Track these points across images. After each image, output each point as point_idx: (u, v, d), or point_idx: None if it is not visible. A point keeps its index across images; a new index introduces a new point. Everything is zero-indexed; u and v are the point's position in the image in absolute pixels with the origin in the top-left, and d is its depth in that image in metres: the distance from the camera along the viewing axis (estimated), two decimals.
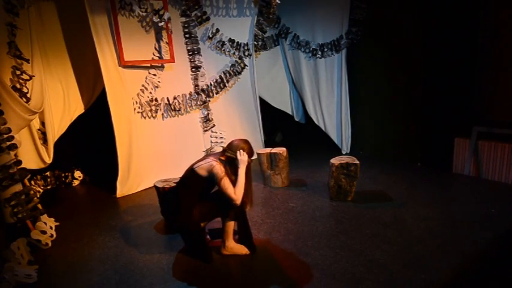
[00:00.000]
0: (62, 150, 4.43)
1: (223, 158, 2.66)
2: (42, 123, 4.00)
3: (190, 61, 4.89)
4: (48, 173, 4.74)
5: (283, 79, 6.35)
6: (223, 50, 5.15)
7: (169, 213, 2.92)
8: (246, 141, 2.73)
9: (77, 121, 4.46)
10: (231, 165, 2.65)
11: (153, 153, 4.64)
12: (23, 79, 3.55)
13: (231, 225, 2.77)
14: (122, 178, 4.34)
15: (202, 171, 2.60)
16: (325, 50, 5.44)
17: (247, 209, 2.79)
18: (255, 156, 4.46)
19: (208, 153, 2.81)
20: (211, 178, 2.57)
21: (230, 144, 2.71)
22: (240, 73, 5.33)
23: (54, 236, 3.28)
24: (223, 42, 5.10)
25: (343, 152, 5.58)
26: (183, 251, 2.89)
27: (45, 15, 3.97)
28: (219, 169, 2.55)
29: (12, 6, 3.43)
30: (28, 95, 3.57)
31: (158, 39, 4.52)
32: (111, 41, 4.15)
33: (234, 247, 2.79)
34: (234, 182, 2.59)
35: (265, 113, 5.83)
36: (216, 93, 5.18)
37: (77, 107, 4.40)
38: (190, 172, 2.66)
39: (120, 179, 4.32)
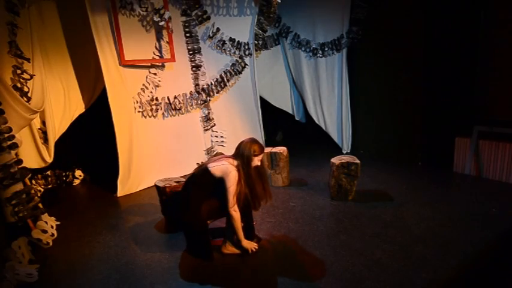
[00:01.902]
0: (63, 150, 4.44)
1: (237, 163, 2.64)
2: (43, 123, 4.01)
3: (191, 60, 4.89)
4: (49, 172, 4.75)
5: (283, 78, 6.35)
6: (224, 49, 5.15)
7: (175, 210, 2.91)
8: (254, 141, 2.71)
9: (78, 120, 4.46)
10: (246, 176, 2.64)
11: (153, 153, 4.64)
12: (23, 78, 3.55)
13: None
14: (123, 177, 4.34)
15: (217, 172, 2.61)
16: (326, 49, 5.44)
17: (266, 203, 2.81)
18: None
19: (223, 155, 2.81)
20: (223, 180, 2.58)
21: (239, 147, 2.70)
22: (240, 72, 5.33)
23: (55, 235, 3.29)
24: (224, 41, 5.10)
25: (344, 152, 5.57)
26: (184, 250, 2.89)
27: (45, 15, 3.97)
28: (234, 176, 2.57)
29: (13, 5, 3.43)
30: (29, 94, 3.57)
31: (159, 38, 4.52)
32: (112, 40, 4.15)
33: (234, 248, 2.80)
34: (244, 185, 2.62)
35: (265, 112, 5.83)
36: (217, 93, 5.18)
37: (77, 107, 4.41)
38: (204, 171, 2.66)
39: (120, 178, 4.33)
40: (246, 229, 2.81)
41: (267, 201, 2.79)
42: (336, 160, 3.68)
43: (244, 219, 2.77)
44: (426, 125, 4.73)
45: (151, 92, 4.58)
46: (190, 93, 4.92)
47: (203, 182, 2.66)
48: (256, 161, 2.68)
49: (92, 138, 5.03)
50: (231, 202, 2.58)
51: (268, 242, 2.95)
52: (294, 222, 3.31)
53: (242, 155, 2.65)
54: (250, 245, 2.76)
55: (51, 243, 3.15)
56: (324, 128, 5.84)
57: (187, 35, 4.81)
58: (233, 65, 5.25)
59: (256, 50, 5.66)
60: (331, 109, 5.66)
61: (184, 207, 2.67)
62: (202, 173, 2.68)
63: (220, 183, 2.60)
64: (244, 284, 2.45)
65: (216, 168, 2.62)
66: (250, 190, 2.67)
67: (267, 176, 2.83)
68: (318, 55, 5.54)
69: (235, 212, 2.62)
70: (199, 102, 5.00)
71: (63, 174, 4.91)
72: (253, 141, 2.71)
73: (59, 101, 4.21)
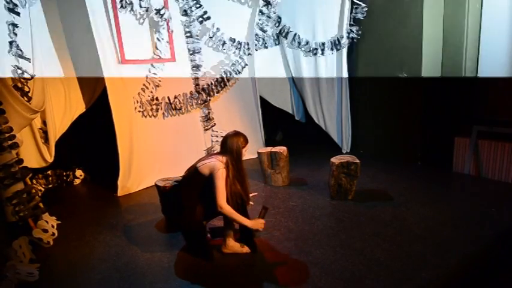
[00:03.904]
0: (64, 149, 4.44)
1: (226, 160, 2.62)
2: (44, 122, 4.01)
3: (191, 60, 4.90)
4: (49, 172, 4.76)
5: (283, 78, 6.34)
6: (224, 49, 5.15)
7: (171, 212, 2.91)
8: (238, 133, 2.70)
9: (78, 120, 4.47)
10: (237, 171, 2.63)
11: (153, 152, 4.65)
12: (24, 78, 3.56)
13: (233, 224, 2.78)
14: (123, 177, 4.35)
15: (205, 170, 2.60)
16: (326, 49, 5.44)
17: (248, 207, 2.79)
18: (255, 155, 4.50)
19: (210, 153, 2.82)
20: (211, 177, 2.57)
21: (224, 143, 2.68)
22: (240, 72, 5.34)
23: (56, 234, 3.30)
24: (224, 41, 5.11)
25: (344, 151, 5.58)
26: (184, 250, 2.90)
27: (46, 14, 3.97)
28: (222, 173, 2.54)
29: (14, 5, 3.44)
30: (29, 94, 3.58)
31: (159, 38, 4.53)
32: (112, 40, 4.16)
33: (235, 245, 2.80)
34: (231, 186, 2.59)
35: (265, 112, 5.84)
36: (217, 92, 5.19)
37: (78, 106, 4.41)
38: (194, 171, 2.66)
39: (121, 178, 4.33)
40: (242, 229, 2.79)
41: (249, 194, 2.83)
42: (335, 160, 3.68)
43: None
44: (426, 125, 4.74)
45: (151, 92, 4.58)
46: (190, 93, 4.93)
47: (195, 183, 2.65)
48: (244, 153, 2.69)
49: (93, 137, 5.04)
50: (219, 200, 2.52)
51: (269, 241, 2.95)
52: (294, 221, 3.32)
53: (231, 150, 2.63)
54: (257, 224, 2.63)
55: (51, 243, 3.16)
56: (323, 128, 5.85)
57: (188, 34, 4.82)
58: (233, 64, 5.25)
59: (256, 50, 5.66)
60: (330, 109, 5.67)
61: (179, 210, 2.67)
62: (192, 174, 2.68)
63: (210, 181, 2.58)
64: (244, 283, 2.45)
65: (204, 166, 2.61)
66: (242, 185, 2.65)
67: (247, 177, 2.84)
68: (318, 55, 5.54)
69: (224, 209, 2.54)
70: (199, 102, 5.01)
71: (64, 173, 4.92)
72: (237, 133, 2.71)
73: (60, 101, 4.21)
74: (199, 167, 2.64)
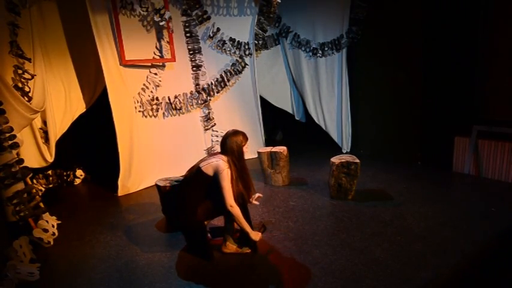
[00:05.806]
0: (64, 149, 4.45)
1: (228, 159, 2.62)
2: (44, 122, 4.03)
3: (191, 60, 4.91)
4: (50, 172, 4.77)
5: (283, 78, 6.36)
6: (224, 49, 5.16)
7: (172, 212, 2.91)
8: (237, 132, 2.69)
9: (79, 120, 4.47)
10: (239, 170, 2.63)
11: (154, 152, 4.65)
12: (24, 78, 3.57)
13: (233, 224, 2.78)
14: (123, 177, 4.36)
15: (209, 170, 2.59)
16: (326, 49, 5.45)
17: (249, 204, 2.80)
18: (255, 155, 4.51)
19: (212, 153, 2.81)
20: (216, 177, 2.57)
21: (224, 143, 2.67)
22: (240, 72, 5.34)
23: (56, 234, 3.30)
24: (224, 41, 5.11)
25: (344, 151, 5.58)
26: (184, 249, 2.90)
27: (46, 15, 3.99)
28: (227, 173, 2.54)
29: (14, 5, 3.45)
30: (30, 94, 3.59)
31: (159, 38, 4.53)
32: (112, 40, 4.16)
33: (235, 246, 2.81)
34: (236, 185, 2.60)
35: (265, 112, 5.84)
36: (217, 92, 5.20)
37: (78, 106, 4.42)
38: (196, 171, 2.65)
39: (121, 178, 4.34)
40: (243, 235, 2.77)
41: (253, 192, 2.83)
42: (335, 159, 3.69)
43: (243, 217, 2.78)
44: (425, 125, 4.74)
45: (151, 92, 4.59)
46: (190, 93, 4.93)
47: (197, 183, 2.65)
48: (245, 150, 2.68)
49: (93, 137, 5.05)
50: (228, 200, 2.54)
51: (269, 241, 2.96)
52: (294, 221, 3.32)
53: (232, 150, 2.62)
54: (256, 235, 2.70)
55: (52, 243, 3.17)
56: (323, 128, 5.85)
57: (188, 35, 4.83)
58: (233, 64, 5.26)
59: (256, 50, 5.67)
60: (331, 108, 5.68)
61: (181, 210, 2.67)
62: (195, 174, 2.66)
63: (214, 181, 2.58)
64: (244, 283, 2.46)
65: (208, 165, 2.60)
66: (244, 183, 2.65)
67: (250, 175, 2.85)
68: (318, 55, 5.55)
69: (234, 208, 2.56)
70: (199, 101, 5.02)
71: (64, 173, 4.93)
72: (235, 132, 2.69)
73: (60, 101, 4.23)
74: (202, 167, 2.62)
